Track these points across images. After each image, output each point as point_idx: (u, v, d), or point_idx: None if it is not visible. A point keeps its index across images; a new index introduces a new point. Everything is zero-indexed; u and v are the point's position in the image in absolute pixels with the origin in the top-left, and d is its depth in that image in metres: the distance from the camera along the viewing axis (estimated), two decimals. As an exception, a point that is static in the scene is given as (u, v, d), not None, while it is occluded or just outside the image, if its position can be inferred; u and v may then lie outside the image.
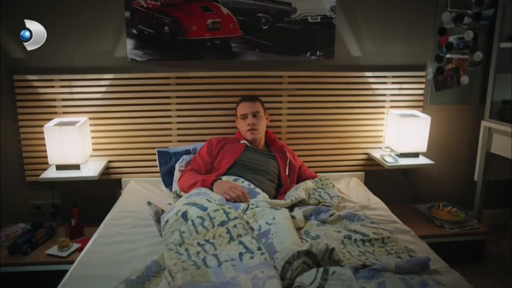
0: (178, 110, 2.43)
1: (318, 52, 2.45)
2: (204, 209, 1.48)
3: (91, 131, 2.37)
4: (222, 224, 1.43)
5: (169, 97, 2.41)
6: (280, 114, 2.51)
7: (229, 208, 1.50)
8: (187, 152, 2.33)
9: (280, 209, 1.74)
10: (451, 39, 2.51)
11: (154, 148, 2.37)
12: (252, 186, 2.00)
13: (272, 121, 2.41)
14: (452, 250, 2.32)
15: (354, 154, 2.62)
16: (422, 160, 2.46)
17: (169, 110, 2.43)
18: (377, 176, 2.65)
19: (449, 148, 2.72)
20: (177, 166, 2.24)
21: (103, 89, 2.34)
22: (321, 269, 1.32)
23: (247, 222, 1.61)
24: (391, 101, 2.56)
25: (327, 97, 2.52)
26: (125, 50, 2.33)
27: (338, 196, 2.09)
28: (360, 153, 2.62)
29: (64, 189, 2.47)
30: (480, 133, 2.56)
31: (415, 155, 2.45)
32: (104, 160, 2.43)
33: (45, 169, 2.30)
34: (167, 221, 1.58)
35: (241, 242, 1.36)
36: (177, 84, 2.40)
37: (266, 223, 1.59)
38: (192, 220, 1.45)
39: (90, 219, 2.27)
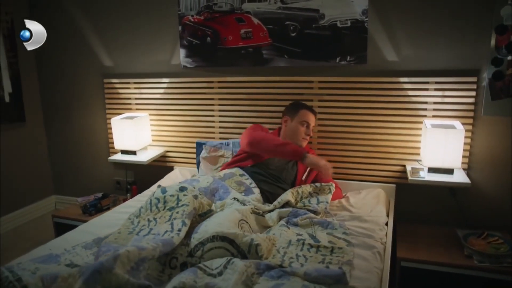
0: (220, 110, 2.75)
1: (348, 57, 2.40)
2: (164, 192, 1.76)
3: (152, 125, 2.91)
4: (170, 209, 1.68)
5: (212, 99, 2.75)
6: (311, 119, 2.55)
7: (184, 195, 1.73)
8: (220, 144, 2.62)
9: (247, 205, 1.87)
10: (514, 38, 2.10)
11: (199, 142, 2.74)
12: (253, 185, 2.15)
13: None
14: (479, 286, 1.97)
15: (387, 165, 2.45)
16: (455, 178, 2.14)
17: (213, 110, 2.76)
18: (414, 191, 2.42)
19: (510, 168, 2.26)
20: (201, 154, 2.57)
21: (162, 90, 2.84)
22: (228, 258, 1.45)
23: (212, 211, 1.82)
24: (434, 109, 2.30)
25: (359, 103, 2.43)
26: (178, 58, 2.77)
27: (327, 202, 2.06)
28: (395, 164, 2.43)
29: (134, 170, 3.09)
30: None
31: (449, 171, 2.16)
32: (161, 149, 2.94)
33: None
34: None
35: (172, 223, 1.59)
36: (219, 87, 2.71)
37: (222, 212, 1.77)
38: (151, 200, 1.75)
39: (145, 196, 2.80)
